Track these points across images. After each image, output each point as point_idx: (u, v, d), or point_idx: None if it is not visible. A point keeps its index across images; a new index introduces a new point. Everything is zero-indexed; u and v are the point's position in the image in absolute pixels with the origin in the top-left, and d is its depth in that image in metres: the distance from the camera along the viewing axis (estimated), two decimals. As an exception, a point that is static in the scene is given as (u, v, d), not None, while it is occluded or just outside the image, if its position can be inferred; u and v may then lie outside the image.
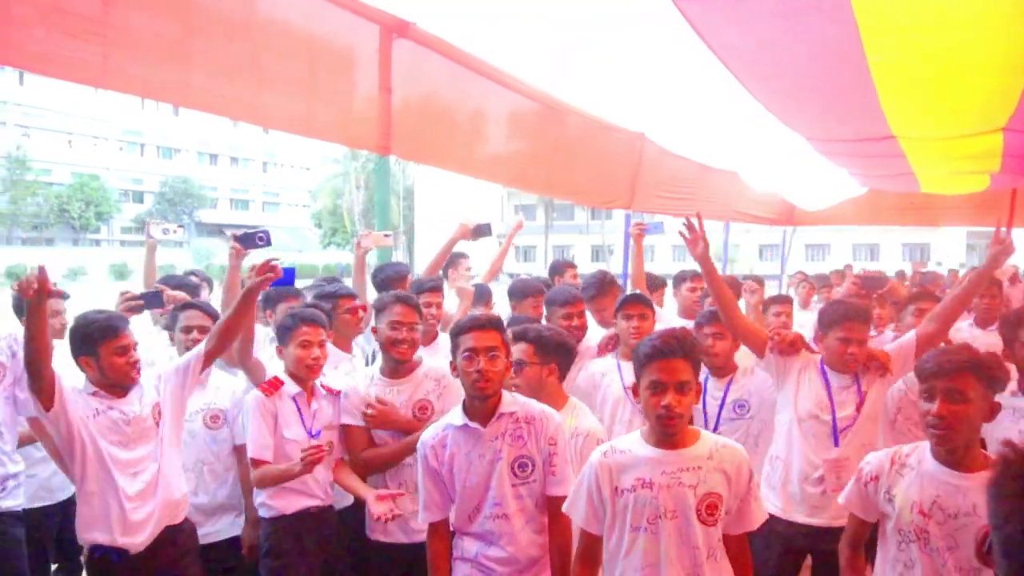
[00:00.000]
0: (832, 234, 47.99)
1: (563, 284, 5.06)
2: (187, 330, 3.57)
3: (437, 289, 4.20)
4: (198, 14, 3.01)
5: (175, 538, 3.08)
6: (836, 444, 3.38)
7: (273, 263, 3.12)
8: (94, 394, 3.00)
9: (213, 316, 3.59)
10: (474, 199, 39.57)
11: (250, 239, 3.67)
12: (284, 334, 3.27)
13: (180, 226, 3.67)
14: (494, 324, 2.80)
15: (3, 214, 51.30)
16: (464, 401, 2.78)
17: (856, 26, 3.17)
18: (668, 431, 2.40)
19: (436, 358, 3.63)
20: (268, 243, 3.65)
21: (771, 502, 3.40)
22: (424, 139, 4.20)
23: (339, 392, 3.39)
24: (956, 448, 2.37)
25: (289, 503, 3.22)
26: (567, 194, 7.17)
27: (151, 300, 3.94)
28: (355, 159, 48.81)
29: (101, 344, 2.95)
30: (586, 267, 5.11)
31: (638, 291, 4.55)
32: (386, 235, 4.35)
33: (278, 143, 66.95)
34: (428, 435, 2.81)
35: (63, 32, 2.55)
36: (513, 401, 2.79)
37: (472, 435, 2.73)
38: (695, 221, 3.58)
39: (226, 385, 3.66)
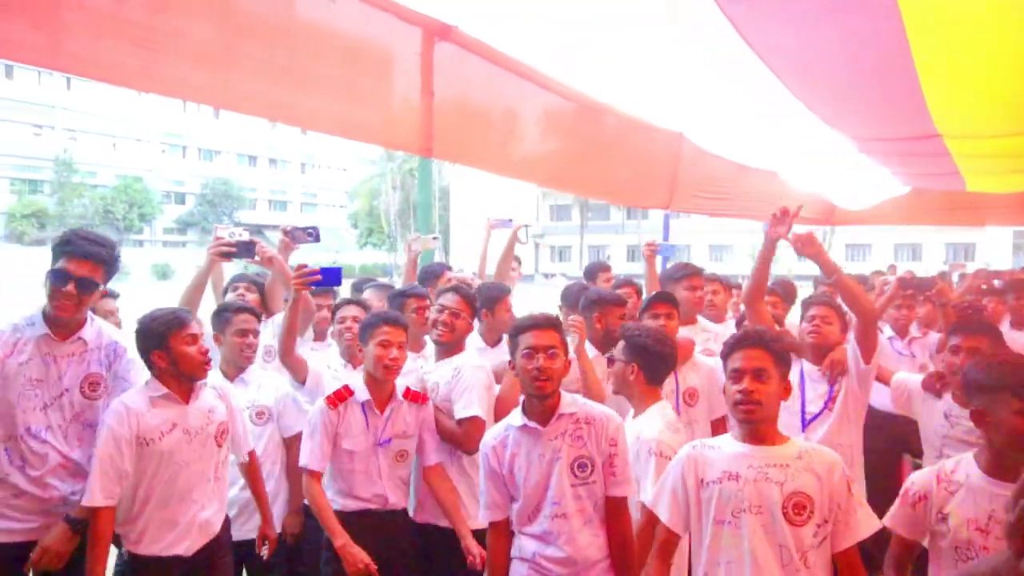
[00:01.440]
0: (873, 234, 47.15)
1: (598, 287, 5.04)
2: (243, 333, 3.60)
3: (421, 296, 4.11)
4: (239, 18, 3.05)
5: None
6: (802, 431, 3.56)
7: (309, 267, 3.36)
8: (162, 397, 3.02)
9: (260, 319, 3.70)
10: (510, 199, 39.69)
11: (300, 234, 3.78)
12: (364, 332, 3.28)
13: (245, 228, 3.72)
14: (552, 323, 2.86)
15: (51, 215, 52.66)
16: (523, 401, 2.82)
17: (902, 24, 3.13)
18: (746, 417, 2.42)
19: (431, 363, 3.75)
20: (317, 239, 3.78)
21: None
22: (465, 140, 4.22)
23: (425, 399, 3.39)
24: (1004, 460, 2.34)
25: (352, 503, 3.27)
26: (604, 194, 7.16)
27: (244, 249, 3.77)
28: (391, 160, 49.25)
29: (170, 335, 2.98)
30: (622, 267, 5.06)
31: (665, 291, 4.54)
32: (434, 238, 4.54)
33: (316, 145, 67.82)
34: (489, 436, 2.88)
35: (110, 37, 2.62)
36: (573, 402, 2.83)
37: (532, 435, 2.77)
38: (793, 209, 3.80)
39: (269, 382, 3.72)
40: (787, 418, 3.41)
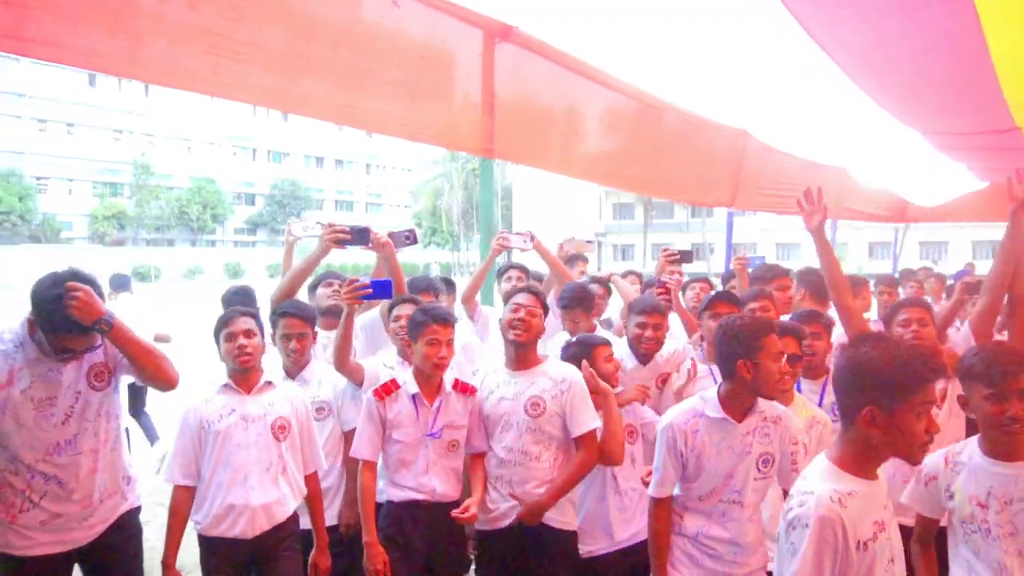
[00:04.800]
0: (950, 231, 45.47)
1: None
2: (287, 338, 3.69)
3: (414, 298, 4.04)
4: (306, 24, 3.14)
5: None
6: None
7: (360, 281, 3.46)
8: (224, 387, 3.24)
9: (311, 321, 3.75)
10: (572, 198, 39.58)
11: (399, 237, 3.92)
12: (414, 330, 3.32)
13: (318, 222, 3.82)
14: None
15: (130, 217, 54.83)
16: (722, 393, 2.91)
17: (977, 17, 3.04)
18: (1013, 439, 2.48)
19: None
20: (415, 241, 3.96)
21: None
22: (525, 140, 4.25)
23: (474, 390, 3.41)
24: (994, 441, 2.49)
25: (400, 493, 3.29)
26: (666, 192, 7.09)
27: (359, 236, 3.80)
28: (454, 160, 49.63)
29: (219, 333, 3.24)
30: (686, 266, 4.97)
31: (727, 290, 4.46)
32: (588, 241, 4.66)
33: (380, 146, 68.84)
34: (679, 420, 2.94)
35: (184, 45, 2.73)
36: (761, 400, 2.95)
37: (724, 427, 2.89)
38: (815, 191, 3.54)
39: (328, 378, 3.80)
40: None
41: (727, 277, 5.54)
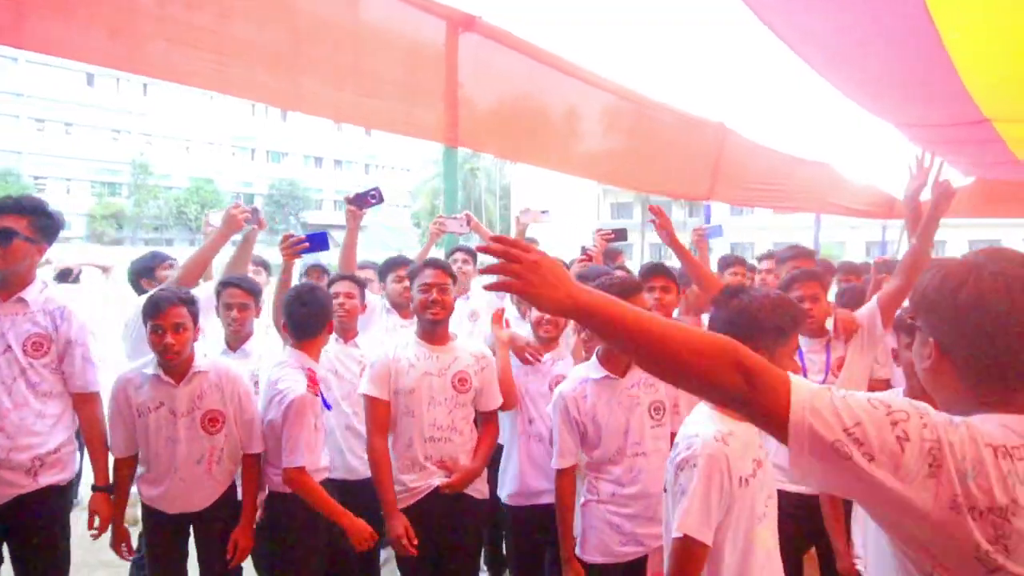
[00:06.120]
0: (947, 231, 45.26)
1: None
2: (228, 307, 3.68)
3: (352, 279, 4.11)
4: (304, 22, 3.20)
5: None
6: None
7: (295, 236, 3.51)
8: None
9: (254, 293, 3.75)
10: (569, 196, 39.57)
11: (363, 199, 3.87)
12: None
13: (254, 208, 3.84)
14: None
15: (128, 216, 54.87)
16: (601, 354, 3.05)
17: (925, 5, 3.05)
18: None
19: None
20: (381, 200, 3.85)
21: None
22: (491, 129, 4.30)
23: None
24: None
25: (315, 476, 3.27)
26: (640, 184, 7.12)
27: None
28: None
29: (146, 319, 3.11)
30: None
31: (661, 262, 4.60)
32: (543, 212, 4.83)
33: (379, 146, 68.79)
34: (567, 388, 3.05)
35: (183, 43, 2.79)
36: None
37: (610, 385, 3.02)
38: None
39: (268, 352, 3.80)
40: None
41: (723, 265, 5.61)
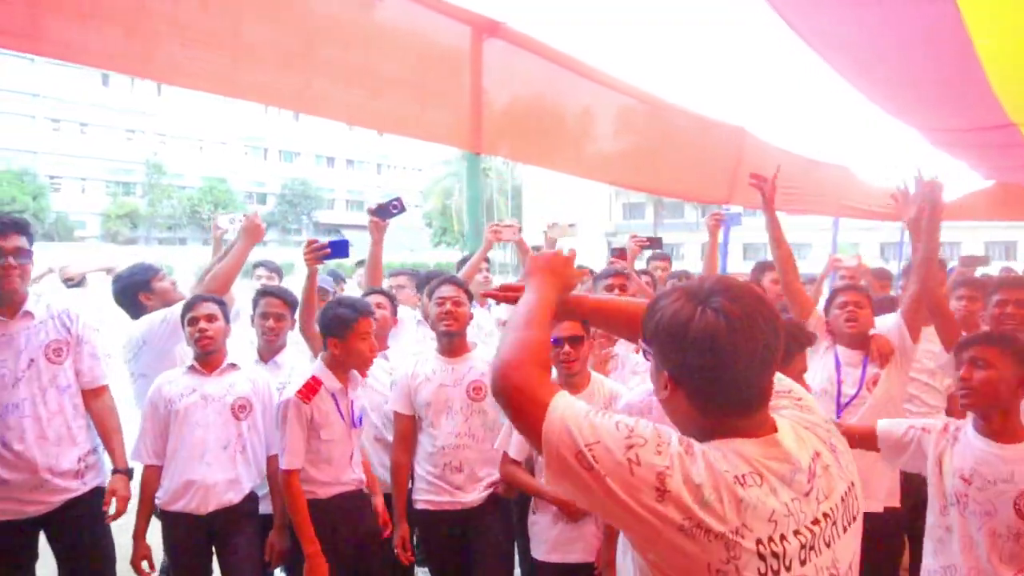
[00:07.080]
0: (963, 231, 45.04)
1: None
2: (264, 316, 3.76)
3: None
4: (293, 19, 3.17)
5: None
6: (838, 417, 3.47)
7: (318, 243, 3.56)
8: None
9: (291, 304, 3.80)
10: (581, 198, 39.53)
11: (385, 210, 3.87)
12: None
13: (245, 215, 3.84)
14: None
15: (142, 216, 55.22)
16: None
17: (956, 6, 3.02)
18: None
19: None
20: (403, 209, 3.87)
21: None
22: (515, 136, 4.27)
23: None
24: (991, 418, 2.53)
25: (324, 489, 3.24)
26: (659, 188, 7.11)
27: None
28: (465, 160, 49.63)
29: (183, 317, 3.33)
30: (695, 265, 5.00)
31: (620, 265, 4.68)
32: (570, 225, 4.89)
33: (392, 146, 68.92)
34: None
35: (196, 45, 2.78)
36: None
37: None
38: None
39: (301, 367, 3.75)
40: (826, 403, 3.49)
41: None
